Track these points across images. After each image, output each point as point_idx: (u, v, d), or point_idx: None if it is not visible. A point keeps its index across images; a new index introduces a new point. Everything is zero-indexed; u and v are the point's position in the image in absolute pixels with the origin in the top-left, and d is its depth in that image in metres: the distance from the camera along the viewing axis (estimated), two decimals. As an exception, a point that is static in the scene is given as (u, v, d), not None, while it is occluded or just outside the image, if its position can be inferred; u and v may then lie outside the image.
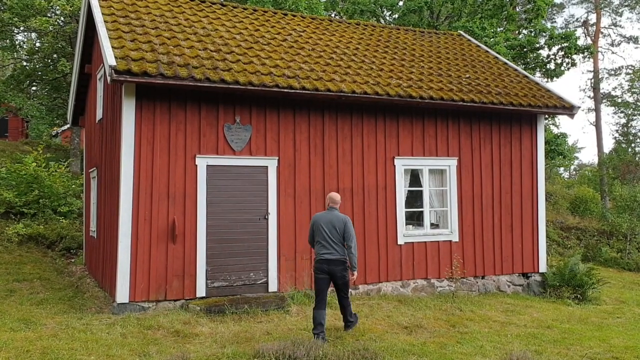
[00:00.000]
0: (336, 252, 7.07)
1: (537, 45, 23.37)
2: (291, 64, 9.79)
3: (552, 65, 23.47)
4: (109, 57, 7.99)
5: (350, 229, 7.12)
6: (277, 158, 9.42)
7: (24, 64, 22.23)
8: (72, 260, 12.91)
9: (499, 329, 8.13)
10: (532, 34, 24.04)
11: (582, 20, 39.36)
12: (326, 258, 7.06)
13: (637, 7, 39.31)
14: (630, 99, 39.89)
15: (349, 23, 14.03)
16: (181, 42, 9.42)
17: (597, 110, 35.82)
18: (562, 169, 42.89)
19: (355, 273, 7.25)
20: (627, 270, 17.77)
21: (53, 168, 16.18)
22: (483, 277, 11.08)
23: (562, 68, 23.34)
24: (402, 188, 10.41)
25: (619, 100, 40.26)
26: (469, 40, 15.12)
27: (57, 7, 19.02)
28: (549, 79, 23.61)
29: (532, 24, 23.81)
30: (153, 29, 9.72)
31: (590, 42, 36.53)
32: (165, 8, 10.97)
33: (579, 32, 37.75)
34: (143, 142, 8.48)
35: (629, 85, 39.73)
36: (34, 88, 24.52)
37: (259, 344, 6.57)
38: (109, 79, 7.93)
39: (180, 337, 6.99)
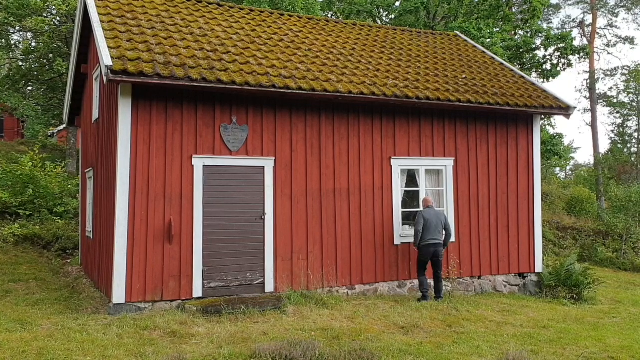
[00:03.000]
0: (440, 237, 9.80)
1: (534, 46, 23.41)
2: (288, 64, 9.78)
3: (548, 66, 23.52)
4: (105, 57, 7.97)
5: (448, 221, 10.06)
6: (274, 158, 9.41)
7: (20, 64, 22.17)
8: (68, 260, 12.88)
9: (496, 329, 8.15)
10: (529, 35, 24.09)
11: (578, 21, 39.51)
12: (433, 243, 9.71)
13: (633, 8, 39.46)
14: (626, 100, 40.06)
15: (345, 23, 14.03)
16: (178, 42, 9.41)
17: (593, 111, 35.96)
18: (558, 169, 43.03)
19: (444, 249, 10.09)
20: (622, 270, 17.83)
21: (49, 168, 16.15)
22: (479, 277, 11.10)
23: (558, 69, 23.40)
24: (398, 188, 10.42)
25: (615, 100, 40.41)
26: (465, 40, 15.14)
27: (53, 7, 18.98)
28: (545, 80, 23.66)
29: (528, 25, 23.87)
30: (149, 28, 9.71)
31: (586, 42, 36.69)
32: (161, 8, 10.96)
33: (575, 32, 37.92)
34: (139, 142, 8.46)
35: (624, 86, 39.90)
36: (29, 88, 24.46)
37: (255, 344, 6.57)
38: (105, 79, 7.92)
39: (177, 337, 6.98)
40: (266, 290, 9.15)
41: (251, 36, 10.85)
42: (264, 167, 9.32)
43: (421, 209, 10.13)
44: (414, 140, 10.63)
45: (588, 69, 36.91)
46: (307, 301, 8.89)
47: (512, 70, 13.06)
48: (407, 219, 10.64)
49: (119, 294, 8.15)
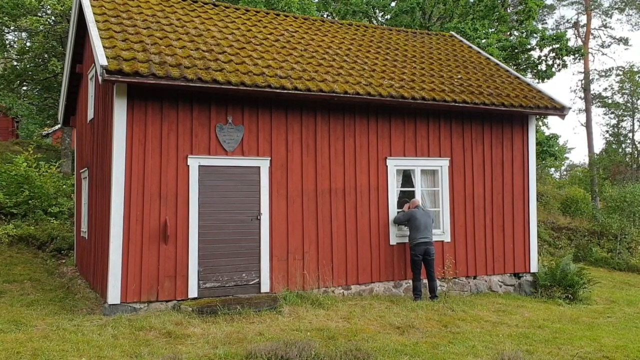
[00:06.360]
0: (430, 237, 9.96)
1: (529, 47, 23.47)
2: (283, 64, 9.78)
3: (543, 67, 23.58)
4: (101, 57, 7.95)
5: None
6: (270, 158, 9.41)
7: (15, 63, 22.08)
8: (63, 261, 12.83)
9: (491, 329, 8.16)
10: (524, 35, 24.15)
11: (572, 22, 39.64)
12: (424, 242, 9.88)
13: (627, 8, 39.62)
14: (621, 100, 40.24)
15: (341, 23, 14.04)
16: (173, 42, 9.39)
17: (587, 111, 36.08)
18: (553, 169, 43.17)
19: None
20: (617, 270, 17.89)
21: (44, 168, 16.09)
22: (475, 277, 11.12)
23: (553, 69, 23.46)
24: (394, 188, 10.44)
25: (610, 101, 40.58)
26: (460, 41, 15.17)
27: (48, 7, 18.91)
28: (540, 80, 23.71)
29: (523, 25, 23.92)
30: (145, 28, 9.68)
31: (581, 43, 36.80)
32: (157, 8, 10.93)
33: (570, 33, 38.04)
34: (135, 143, 8.44)
35: (619, 87, 40.08)
36: (24, 88, 24.36)
37: (251, 344, 6.56)
38: (100, 79, 7.90)
39: (172, 338, 6.96)
40: (262, 291, 9.14)
41: (247, 36, 10.84)
42: (259, 167, 9.31)
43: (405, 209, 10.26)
44: (409, 140, 10.64)
45: (583, 70, 37.05)
46: (303, 301, 8.89)
47: (507, 71, 13.09)
48: (403, 219, 10.65)
49: (114, 295, 8.13)
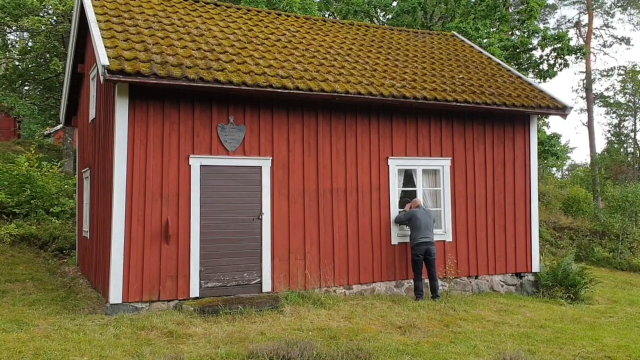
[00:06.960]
0: (431, 236, 9.96)
1: (530, 46, 23.45)
2: (285, 64, 9.78)
3: (545, 66, 23.57)
4: (102, 57, 7.95)
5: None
6: (271, 158, 9.41)
7: (16, 63, 22.11)
8: (65, 260, 12.84)
9: (493, 329, 8.16)
10: (525, 35, 24.14)
11: (574, 21, 39.60)
12: (425, 241, 9.87)
13: (629, 8, 39.57)
14: (622, 100, 40.19)
15: (342, 23, 14.03)
16: (174, 42, 9.39)
17: (589, 111, 36.03)
18: (554, 169, 43.14)
19: None
20: (619, 269, 17.88)
21: (46, 168, 16.10)
22: (476, 277, 11.11)
23: (555, 69, 23.44)
24: (395, 188, 10.43)
25: (611, 100, 40.54)
26: (462, 40, 15.16)
27: (50, 7, 18.94)
28: (542, 80, 23.70)
29: (525, 25, 23.91)
30: (146, 28, 9.69)
31: (583, 43, 36.74)
32: (158, 8, 10.94)
33: (571, 33, 37.98)
34: (136, 142, 8.45)
35: (621, 86, 40.03)
36: (26, 88, 24.39)
37: (252, 344, 6.56)
38: (102, 78, 7.91)
39: (174, 337, 6.97)
40: (263, 290, 9.15)
41: (248, 36, 10.84)
42: (261, 167, 9.32)
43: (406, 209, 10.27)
44: (411, 140, 10.63)
45: (584, 69, 36.99)
46: (305, 301, 8.89)
47: (508, 71, 13.08)
48: (404, 218, 10.65)
49: (115, 294, 8.14)
